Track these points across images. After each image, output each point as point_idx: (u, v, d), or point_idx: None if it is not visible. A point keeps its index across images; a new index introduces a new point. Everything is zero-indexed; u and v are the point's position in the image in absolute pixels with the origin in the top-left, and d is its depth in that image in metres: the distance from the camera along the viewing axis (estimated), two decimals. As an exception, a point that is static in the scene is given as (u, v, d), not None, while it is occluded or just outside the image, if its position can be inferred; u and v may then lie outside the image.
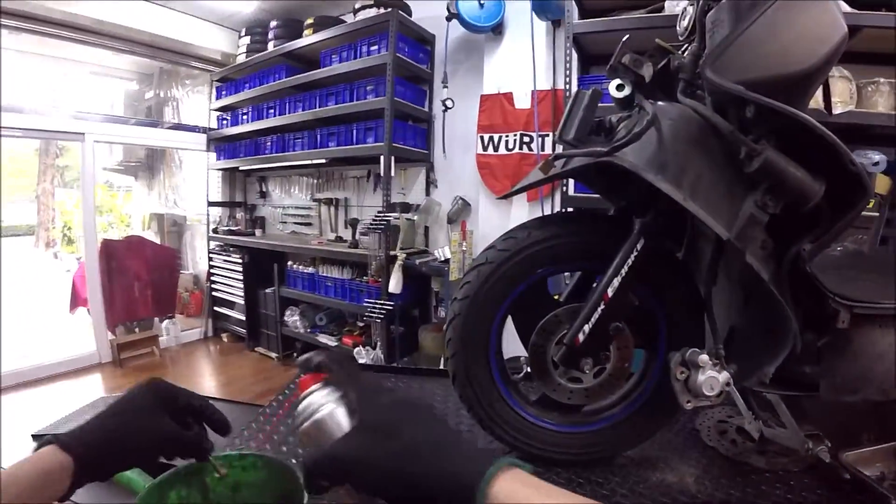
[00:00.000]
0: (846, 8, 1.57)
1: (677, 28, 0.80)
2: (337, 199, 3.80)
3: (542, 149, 2.68)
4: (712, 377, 0.66)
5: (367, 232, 3.04)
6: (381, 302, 2.91)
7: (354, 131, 3.13)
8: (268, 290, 3.89)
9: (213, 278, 4.43)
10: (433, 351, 2.95)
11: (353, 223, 3.35)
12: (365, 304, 3.00)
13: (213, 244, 4.46)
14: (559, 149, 0.77)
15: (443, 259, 2.85)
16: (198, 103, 4.77)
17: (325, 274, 3.50)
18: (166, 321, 4.31)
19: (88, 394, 3.20)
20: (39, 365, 3.63)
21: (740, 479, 0.76)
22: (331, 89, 3.25)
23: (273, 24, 3.75)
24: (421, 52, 3.18)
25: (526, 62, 2.68)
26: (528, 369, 0.90)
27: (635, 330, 0.79)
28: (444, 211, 3.14)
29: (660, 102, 0.70)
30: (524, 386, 0.92)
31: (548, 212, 2.62)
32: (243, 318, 4.14)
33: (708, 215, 0.61)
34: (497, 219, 2.81)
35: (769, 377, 0.69)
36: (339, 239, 3.59)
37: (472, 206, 3.04)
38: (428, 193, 3.30)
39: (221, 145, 4.38)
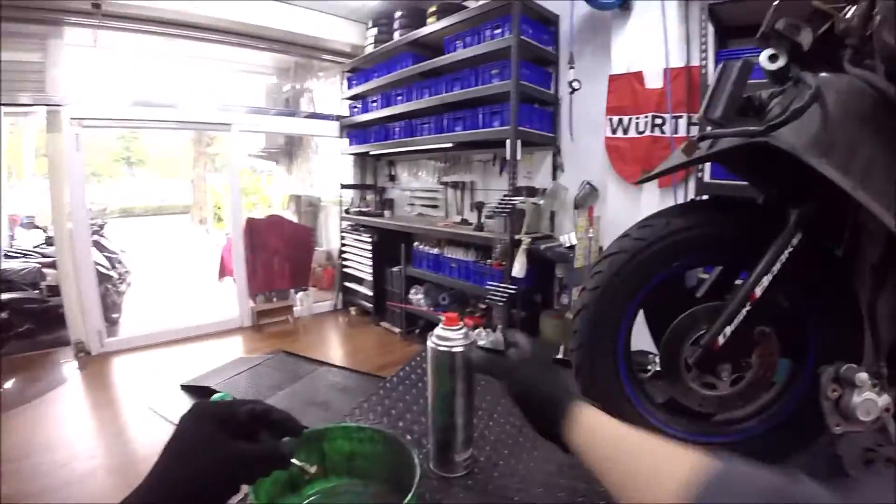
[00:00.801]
0: None
1: None
2: (463, 183, 3.84)
3: (676, 131, 2.45)
4: (870, 400, 0.57)
5: (493, 215, 3.06)
6: (504, 285, 2.94)
7: (480, 115, 3.14)
8: (394, 269, 4.03)
9: (344, 255, 4.68)
10: (553, 338, 2.93)
11: (478, 206, 3.36)
12: (487, 287, 3.05)
13: (344, 224, 4.72)
14: (697, 130, 0.70)
15: (568, 245, 2.78)
16: (331, 93, 5.09)
17: (449, 255, 3.57)
18: (300, 293, 4.64)
19: (230, 353, 3.65)
20: (189, 326, 4.13)
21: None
22: (456, 75, 3.29)
23: (398, 14, 3.88)
24: (545, 34, 3.08)
25: (657, 38, 2.44)
26: (658, 368, 0.84)
27: (781, 336, 0.69)
28: (571, 196, 3.05)
29: (822, 74, 0.58)
30: (650, 386, 0.85)
31: (681, 199, 2.40)
32: (370, 294, 4.35)
33: (882, 208, 0.51)
34: (626, 205, 2.66)
35: None
36: (465, 222, 3.63)
37: (600, 192, 2.91)
38: (554, 177, 3.22)
39: (353, 131, 4.63)
